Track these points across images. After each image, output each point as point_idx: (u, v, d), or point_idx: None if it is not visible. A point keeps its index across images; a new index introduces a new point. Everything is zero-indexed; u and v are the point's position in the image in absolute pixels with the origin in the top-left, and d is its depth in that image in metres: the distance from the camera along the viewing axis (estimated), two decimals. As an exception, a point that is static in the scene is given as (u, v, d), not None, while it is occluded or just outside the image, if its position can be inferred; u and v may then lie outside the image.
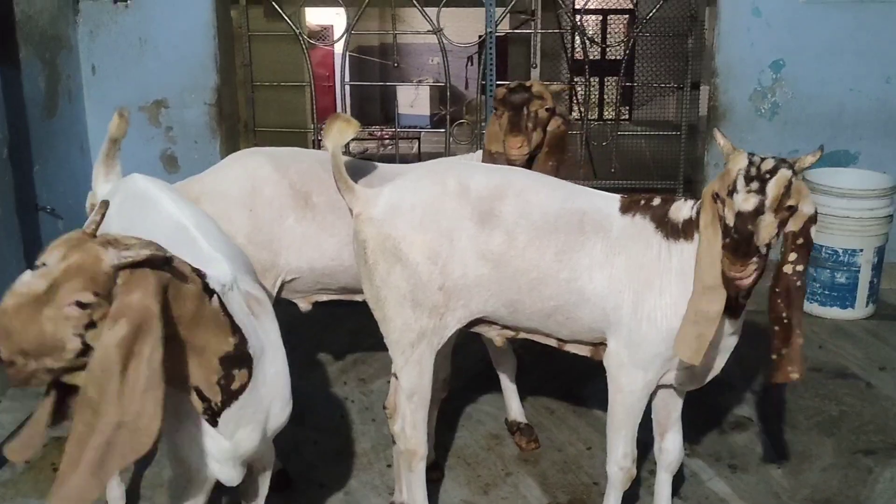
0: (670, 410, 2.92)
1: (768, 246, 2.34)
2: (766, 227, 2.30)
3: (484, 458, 3.69)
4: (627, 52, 6.20)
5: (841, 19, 5.22)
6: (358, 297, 3.22)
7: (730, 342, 2.71)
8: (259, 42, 6.10)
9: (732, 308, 2.54)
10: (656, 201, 2.72)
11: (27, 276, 1.79)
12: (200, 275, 2.01)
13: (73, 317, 1.78)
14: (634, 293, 2.63)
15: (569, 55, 9.23)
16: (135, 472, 3.42)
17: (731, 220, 2.33)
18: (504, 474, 3.57)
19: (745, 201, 2.30)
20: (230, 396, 2.10)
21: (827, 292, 5.01)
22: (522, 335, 2.91)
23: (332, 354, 4.61)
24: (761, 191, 2.29)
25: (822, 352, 4.65)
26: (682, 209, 2.67)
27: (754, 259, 2.30)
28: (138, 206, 2.61)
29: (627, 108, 12.01)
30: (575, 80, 7.92)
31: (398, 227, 2.67)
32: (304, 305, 3.46)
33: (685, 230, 2.62)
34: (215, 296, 2.03)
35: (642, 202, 2.72)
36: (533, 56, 7.74)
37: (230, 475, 2.27)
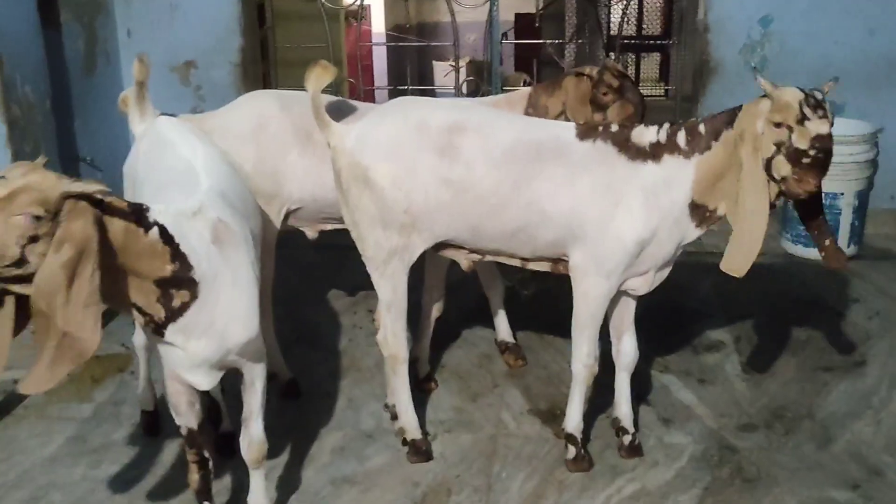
0: (624, 316, 3.29)
1: None
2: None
3: (475, 373, 4.09)
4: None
5: (826, -26, 5.51)
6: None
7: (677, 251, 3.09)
8: (290, 21, 6.44)
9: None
10: (614, 128, 3.04)
11: None
12: (137, 212, 2.25)
13: (21, 226, 2.00)
14: (601, 211, 2.95)
15: (604, 32, 9.41)
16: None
17: (804, 144, 2.68)
18: (492, 386, 3.97)
19: (823, 125, 2.67)
20: (173, 313, 2.36)
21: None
22: (489, 258, 3.26)
23: (344, 291, 5.02)
24: (825, 116, 2.68)
25: (802, 287, 4.97)
26: (645, 133, 2.99)
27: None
28: (160, 148, 3.00)
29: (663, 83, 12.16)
30: (609, 56, 8.17)
31: (366, 157, 3.03)
32: (310, 233, 3.83)
33: (653, 152, 2.96)
34: (154, 229, 2.26)
35: (600, 129, 3.04)
36: (567, 32, 8.01)
37: (196, 380, 2.58)
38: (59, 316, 2.06)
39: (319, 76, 3.01)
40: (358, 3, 6.40)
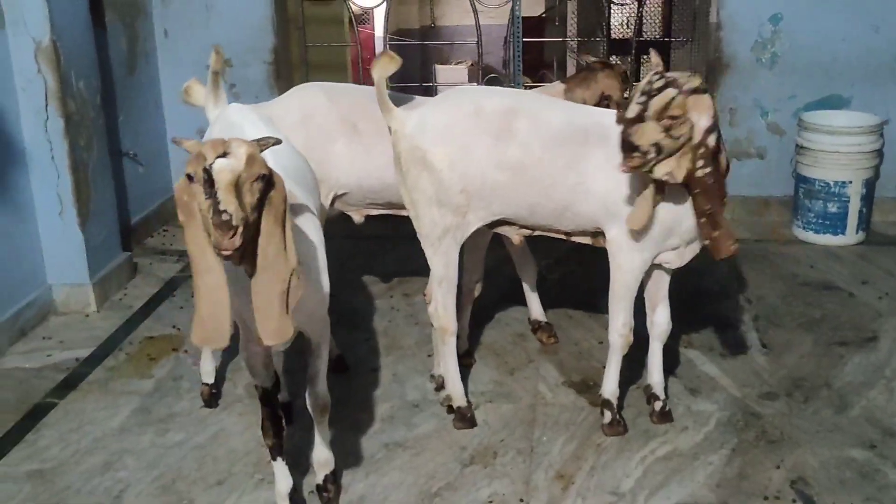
0: (659, 289, 3.54)
1: (654, 147, 2.88)
2: (647, 131, 2.86)
3: (511, 350, 4.34)
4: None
5: (832, -27, 5.77)
6: (403, 212, 3.73)
7: None
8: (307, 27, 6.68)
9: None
10: None
11: (222, 161, 2.20)
12: None
13: (258, 189, 2.25)
14: (631, 190, 3.20)
15: (605, 34, 9.59)
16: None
17: None
18: (527, 361, 4.22)
19: (629, 111, 2.91)
20: None
21: (820, 221, 5.56)
22: (538, 232, 3.53)
23: (381, 277, 5.25)
24: (646, 103, 2.87)
25: (813, 270, 5.22)
26: None
27: (635, 155, 2.88)
28: (229, 131, 3.24)
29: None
30: (611, 58, 8.36)
31: (425, 141, 3.29)
32: (357, 217, 4.07)
33: None
34: None
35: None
36: (569, 35, 8.22)
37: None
38: (282, 260, 2.36)
39: (385, 65, 3.24)
40: (380, 4, 6.66)
